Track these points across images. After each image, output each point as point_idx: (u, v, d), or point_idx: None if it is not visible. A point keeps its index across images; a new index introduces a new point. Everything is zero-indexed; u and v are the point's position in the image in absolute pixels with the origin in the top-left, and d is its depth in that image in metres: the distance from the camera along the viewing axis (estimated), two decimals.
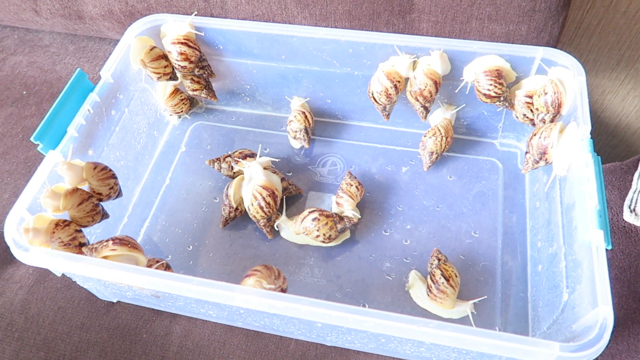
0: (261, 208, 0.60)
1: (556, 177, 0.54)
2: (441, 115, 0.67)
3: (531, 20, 0.59)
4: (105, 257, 0.48)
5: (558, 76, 0.56)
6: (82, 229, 0.54)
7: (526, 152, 0.57)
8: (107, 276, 0.45)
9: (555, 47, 0.61)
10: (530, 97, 0.59)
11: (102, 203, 0.57)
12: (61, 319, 0.59)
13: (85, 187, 0.55)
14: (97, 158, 0.60)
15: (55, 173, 0.53)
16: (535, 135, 0.55)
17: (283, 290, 0.48)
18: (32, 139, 0.53)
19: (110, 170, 0.56)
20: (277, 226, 0.62)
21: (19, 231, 0.48)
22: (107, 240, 0.49)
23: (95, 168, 0.55)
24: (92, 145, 0.59)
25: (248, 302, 0.42)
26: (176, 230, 0.64)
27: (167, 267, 0.54)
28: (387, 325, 0.40)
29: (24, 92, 0.82)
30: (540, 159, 0.55)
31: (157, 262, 0.53)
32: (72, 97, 0.57)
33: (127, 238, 0.50)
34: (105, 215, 0.57)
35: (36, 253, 0.47)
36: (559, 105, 0.56)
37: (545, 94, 0.56)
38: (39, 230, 0.50)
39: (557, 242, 0.51)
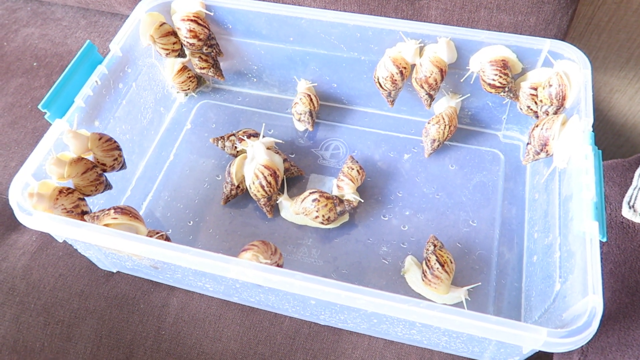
0: (262, 187, 0.61)
1: (556, 169, 0.55)
2: (446, 104, 0.67)
3: (540, 12, 0.58)
4: (106, 225, 0.49)
5: (564, 69, 0.56)
6: (85, 198, 0.55)
7: (527, 143, 0.57)
8: (106, 243, 0.46)
9: (563, 39, 0.61)
10: (535, 89, 0.59)
11: (106, 174, 0.57)
12: (61, 285, 0.60)
13: (90, 157, 0.56)
14: (103, 129, 0.60)
15: (61, 142, 0.54)
16: (537, 126, 0.55)
17: (279, 266, 0.49)
18: (39, 106, 0.54)
19: (115, 142, 0.57)
20: (278, 203, 0.63)
21: (24, 195, 0.49)
22: (108, 209, 0.50)
23: (100, 139, 0.56)
24: (98, 117, 0.60)
25: (243, 275, 0.43)
26: (178, 206, 0.65)
27: (167, 239, 0.55)
28: (378, 303, 0.41)
29: (35, 64, 0.83)
30: (541, 150, 0.55)
31: (157, 233, 0.54)
32: (80, 68, 0.58)
33: (128, 207, 0.51)
34: (108, 186, 0.58)
35: (39, 217, 0.48)
36: (563, 98, 0.56)
37: (550, 86, 0.56)
38: (42, 195, 0.50)
39: (553, 233, 0.52)
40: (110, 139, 0.56)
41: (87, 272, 0.61)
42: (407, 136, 0.71)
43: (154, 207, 0.65)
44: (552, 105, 0.57)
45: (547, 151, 0.55)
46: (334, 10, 0.64)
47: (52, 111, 0.55)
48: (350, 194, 0.62)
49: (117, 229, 0.48)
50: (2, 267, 0.62)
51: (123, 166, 0.59)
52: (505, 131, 0.70)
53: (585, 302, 0.41)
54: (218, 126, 0.73)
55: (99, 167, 0.56)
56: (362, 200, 0.63)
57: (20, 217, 0.48)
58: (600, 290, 0.41)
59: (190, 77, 0.72)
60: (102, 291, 0.60)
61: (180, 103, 0.76)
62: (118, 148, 0.57)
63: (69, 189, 0.53)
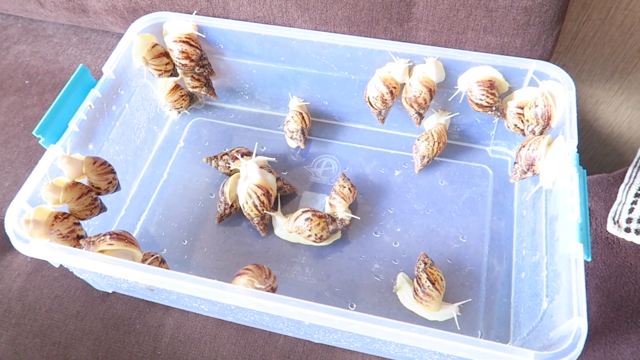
0: (255, 206, 0.62)
1: (542, 187, 0.56)
2: (435, 121, 0.69)
3: (525, 34, 0.60)
4: (102, 251, 0.49)
5: (549, 89, 0.58)
6: (81, 222, 0.55)
7: (515, 162, 0.59)
8: (103, 270, 0.47)
9: (548, 60, 0.62)
10: (522, 108, 0.60)
11: (100, 197, 0.58)
12: (57, 307, 0.61)
13: (84, 181, 0.57)
14: (97, 152, 0.61)
15: (56, 167, 0.54)
16: (524, 146, 0.56)
17: (273, 289, 0.50)
18: (34, 132, 0.54)
19: (109, 165, 0.58)
20: (272, 221, 0.64)
21: (20, 223, 0.50)
22: (104, 235, 0.51)
23: (94, 163, 0.56)
24: (92, 140, 0.60)
25: (239, 301, 0.44)
26: (172, 225, 0.66)
27: (162, 262, 0.56)
28: (371, 328, 0.42)
29: (27, 82, 0.83)
30: (528, 169, 0.56)
31: (152, 256, 0.55)
32: (74, 92, 0.58)
33: (124, 233, 0.51)
34: (103, 209, 0.59)
35: (36, 245, 0.48)
36: (549, 118, 0.57)
37: (536, 106, 0.58)
38: (38, 222, 0.51)
39: (540, 252, 0.53)
40: (104, 163, 0.57)
41: (83, 293, 0.62)
42: (398, 152, 0.72)
43: (148, 226, 0.66)
44: (538, 124, 0.58)
45: (533, 171, 0.56)
46: (324, 31, 0.65)
47: (47, 136, 0.55)
48: (342, 212, 0.63)
49: (113, 255, 0.49)
50: None
51: (117, 188, 0.60)
52: (494, 146, 0.71)
53: (571, 323, 0.42)
54: (211, 144, 0.74)
55: (93, 190, 0.56)
56: (358, 218, 0.64)
57: (17, 245, 0.49)
58: (585, 312, 0.42)
59: (182, 96, 0.73)
60: (98, 312, 0.60)
61: (173, 121, 0.76)
62: (112, 171, 0.58)
63: (64, 213, 0.53)
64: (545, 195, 0.56)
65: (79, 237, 0.53)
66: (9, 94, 0.82)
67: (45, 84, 0.83)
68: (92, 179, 0.56)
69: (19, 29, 0.91)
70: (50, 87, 0.82)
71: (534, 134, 0.59)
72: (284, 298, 0.44)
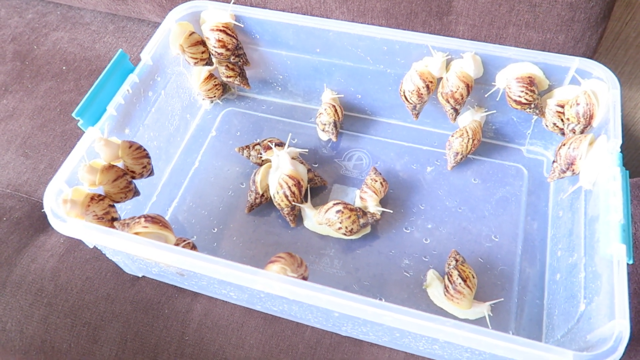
0: (286, 197, 0.62)
1: (581, 187, 0.55)
2: (470, 117, 0.68)
3: (569, 30, 0.58)
4: (136, 233, 0.50)
5: (592, 88, 0.56)
6: (115, 205, 0.56)
7: (553, 161, 0.57)
8: (138, 251, 0.47)
9: (591, 58, 0.61)
10: (562, 106, 0.59)
11: (134, 181, 0.59)
12: (89, 288, 0.62)
13: (120, 164, 0.57)
14: (132, 137, 0.62)
15: (93, 149, 0.55)
16: (564, 145, 0.55)
17: (305, 278, 0.50)
18: (73, 114, 0.55)
19: (145, 150, 0.58)
20: (301, 212, 0.64)
21: (58, 202, 0.50)
22: (139, 217, 0.51)
23: (130, 147, 0.57)
24: (128, 124, 0.61)
25: (272, 288, 0.44)
26: (202, 212, 0.66)
27: (193, 247, 0.56)
28: (405, 320, 0.42)
29: (64, 68, 0.85)
30: (567, 169, 0.55)
31: (184, 241, 0.55)
32: (112, 77, 0.59)
33: (158, 217, 0.52)
34: (136, 193, 0.59)
35: (73, 224, 0.49)
36: (591, 117, 0.56)
37: (578, 104, 0.56)
38: (75, 202, 0.52)
39: (578, 253, 0.52)
40: (140, 147, 0.58)
41: (114, 276, 0.62)
42: (430, 149, 0.71)
43: (179, 213, 0.67)
44: (579, 123, 0.57)
45: (573, 170, 0.55)
46: (361, 23, 0.65)
47: (85, 119, 0.56)
48: (373, 206, 0.62)
49: (148, 237, 0.49)
50: (31, 268, 0.64)
51: (151, 173, 0.60)
52: (529, 146, 0.70)
53: (612, 325, 0.41)
54: (242, 134, 0.74)
55: (128, 174, 0.57)
56: (391, 211, 0.63)
57: (55, 223, 0.49)
58: (628, 315, 0.41)
59: (216, 85, 0.73)
60: (128, 295, 0.61)
61: (206, 110, 0.77)
62: (147, 156, 0.58)
63: (100, 195, 0.54)
64: (584, 196, 0.54)
65: (114, 219, 0.54)
66: (47, 79, 0.83)
67: (82, 70, 0.84)
68: (128, 163, 0.57)
69: (57, 16, 0.92)
70: (87, 73, 0.84)
71: (574, 132, 0.57)
72: (317, 286, 0.43)
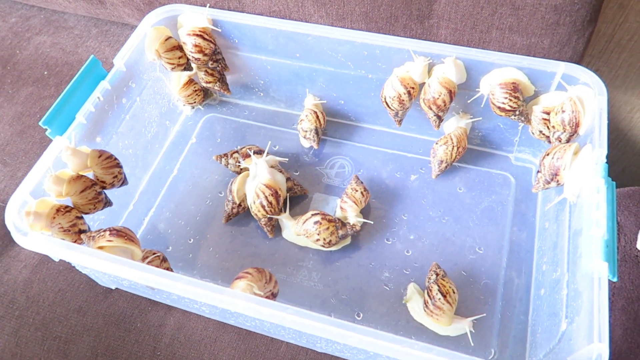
0: (263, 207, 0.60)
1: (566, 199, 0.52)
2: (455, 124, 0.65)
3: (554, 34, 0.56)
4: (101, 247, 0.48)
5: (578, 94, 0.54)
6: (84, 216, 0.54)
7: (538, 171, 0.55)
8: (99, 267, 0.45)
9: (579, 63, 0.58)
10: (548, 113, 0.57)
11: (107, 191, 0.57)
12: (60, 300, 0.60)
13: (90, 174, 0.56)
14: (105, 145, 0.60)
15: (61, 159, 0.53)
16: (548, 155, 0.53)
17: (274, 295, 0.48)
18: (41, 123, 0.53)
19: (116, 159, 0.57)
20: (279, 222, 0.62)
21: (20, 214, 0.49)
22: (105, 230, 0.50)
23: (100, 156, 0.55)
24: (100, 133, 0.59)
25: (235, 306, 0.42)
26: (179, 222, 0.65)
27: (163, 260, 0.54)
28: (371, 342, 0.40)
29: (45, 73, 0.83)
30: (552, 179, 0.53)
31: (153, 254, 0.53)
32: (84, 84, 0.57)
33: (124, 230, 0.50)
34: (108, 203, 0.57)
35: (34, 238, 0.47)
36: (577, 125, 0.53)
37: (563, 111, 0.54)
38: (40, 214, 0.50)
39: (561, 268, 0.50)
40: (110, 157, 0.56)
41: (86, 288, 0.61)
42: (414, 156, 0.69)
43: (156, 222, 0.65)
44: (564, 131, 0.54)
45: (557, 181, 0.52)
46: (341, 27, 0.63)
47: (53, 128, 0.54)
48: (353, 216, 0.60)
49: (112, 251, 0.48)
50: (4, 279, 0.62)
51: (124, 182, 0.59)
52: (517, 153, 0.67)
53: (590, 349, 0.39)
54: (223, 140, 0.72)
55: (98, 184, 0.55)
56: (371, 222, 0.61)
57: (16, 237, 0.48)
58: (607, 338, 0.39)
59: (196, 91, 0.71)
60: (100, 308, 0.59)
61: (187, 116, 0.75)
62: (118, 165, 0.57)
63: (67, 207, 0.52)
64: (569, 208, 0.52)
65: (81, 232, 0.52)
66: (28, 84, 0.82)
67: (63, 75, 0.83)
68: (97, 173, 0.55)
69: (41, 20, 0.91)
70: (68, 78, 0.82)
71: (560, 141, 0.55)
72: (281, 306, 0.41)
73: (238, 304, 0.42)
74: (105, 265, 0.45)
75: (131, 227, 0.63)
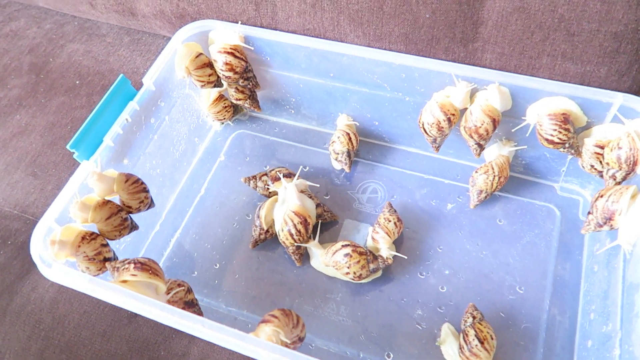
0: (291, 235, 0.57)
1: (620, 246, 0.48)
2: (497, 151, 0.61)
3: (612, 62, 0.51)
4: (124, 282, 0.47)
5: (636, 129, 0.49)
6: (110, 242, 0.53)
7: (589, 212, 0.51)
8: (121, 303, 0.44)
9: (638, 94, 0.54)
10: (601, 147, 0.52)
11: (133, 214, 0.56)
12: (85, 323, 0.59)
13: (116, 198, 0.55)
14: (132, 167, 0.59)
15: (88, 184, 0.52)
16: (602, 196, 0.49)
17: (301, 339, 0.46)
18: (68, 146, 0.52)
19: (142, 183, 0.55)
20: (308, 250, 0.60)
21: (45, 244, 0.48)
22: (129, 262, 0.48)
23: (126, 181, 0.54)
24: (127, 154, 0.58)
25: (260, 356, 0.40)
26: (205, 245, 0.63)
27: (188, 292, 0.53)
28: None
29: (77, 82, 0.83)
30: (605, 223, 0.48)
31: (178, 285, 0.52)
32: (112, 104, 0.56)
33: (148, 263, 0.48)
34: (134, 228, 0.56)
35: (58, 270, 0.46)
36: (634, 164, 0.49)
37: (619, 148, 0.49)
38: (65, 242, 0.49)
39: (613, 323, 0.45)
40: (137, 181, 0.55)
41: (111, 312, 0.60)
42: (452, 182, 0.65)
43: (182, 244, 0.63)
44: (620, 169, 0.50)
45: (611, 225, 0.48)
46: (378, 48, 0.60)
47: (81, 151, 0.53)
48: (385, 249, 0.57)
49: (136, 286, 0.46)
50: (32, 297, 0.62)
51: (150, 206, 0.57)
52: (564, 183, 0.63)
53: None
54: (252, 158, 0.70)
55: (124, 210, 0.54)
56: (405, 257, 0.58)
57: (41, 267, 0.47)
58: None
59: (226, 107, 0.69)
60: (124, 333, 0.58)
61: (216, 132, 0.73)
62: (145, 190, 0.55)
63: (92, 234, 0.51)
64: (623, 256, 0.48)
65: (106, 260, 0.51)
66: (60, 93, 0.82)
67: (95, 85, 0.82)
68: (124, 198, 0.54)
69: (75, 26, 0.91)
70: (99, 88, 0.82)
71: (614, 179, 0.51)
72: (308, 359, 0.39)
73: (263, 354, 0.40)
74: (127, 303, 0.43)
75: (157, 249, 0.63)
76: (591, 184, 0.61)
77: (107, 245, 0.52)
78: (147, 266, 0.48)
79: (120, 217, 0.53)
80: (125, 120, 0.56)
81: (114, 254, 0.53)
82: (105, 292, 0.44)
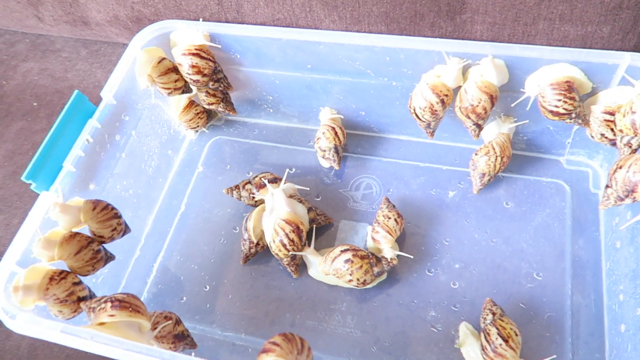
0: (284, 245, 0.52)
1: None
2: (496, 130, 0.57)
3: (616, 20, 0.47)
4: (102, 324, 0.41)
5: None
6: (84, 277, 0.47)
7: (607, 186, 0.46)
8: (100, 351, 0.38)
9: None
10: (611, 114, 0.48)
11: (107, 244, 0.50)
12: None
13: (85, 229, 0.49)
14: (100, 192, 0.53)
15: (51, 217, 0.46)
16: (621, 167, 0.44)
17: None
18: (23, 178, 0.47)
19: (113, 208, 0.49)
20: (304, 259, 0.55)
21: (7, 292, 0.42)
22: (105, 301, 0.43)
23: (94, 209, 0.48)
24: (93, 179, 0.52)
25: None
26: (192, 267, 0.58)
27: (177, 323, 0.47)
28: None
29: (35, 104, 0.77)
30: (627, 196, 0.44)
31: (165, 317, 0.46)
32: (70, 125, 0.50)
33: (127, 299, 0.43)
34: (109, 259, 0.51)
35: (23, 321, 0.41)
36: None
37: (633, 112, 0.45)
38: (30, 287, 0.43)
39: None
40: (106, 207, 0.49)
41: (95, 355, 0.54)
42: (451, 168, 0.60)
43: (166, 268, 0.58)
44: (635, 136, 0.45)
45: (634, 198, 0.44)
46: (357, 31, 0.55)
47: (39, 181, 0.47)
48: (388, 248, 0.52)
49: (116, 327, 0.41)
50: (6, 346, 0.56)
51: (125, 232, 0.52)
52: (570, 156, 0.59)
53: None
54: (233, 166, 0.65)
55: (95, 241, 0.48)
56: (411, 257, 0.53)
57: (4, 319, 0.41)
58: None
59: (198, 114, 0.64)
60: None
61: (191, 141, 0.68)
62: (116, 216, 0.50)
63: (62, 272, 0.46)
64: None
65: (80, 299, 0.46)
66: (17, 118, 0.75)
67: (54, 105, 0.76)
68: (93, 228, 0.48)
69: (26, 44, 0.84)
70: (59, 108, 0.75)
71: (630, 147, 0.46)
72: None
73: None
74: (107, 351, 0.38)
75: (140, 276, 0.57)
76: (600, 154, 0.57)
77: (80, 282, 0.46)
78: (126, 303, 0.42)
79: (91, 250, 0.47)
80: (85, 141, 0.50)
81: (90, 290, 0.47)
82: (81, 341, 0.39)
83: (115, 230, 0.50)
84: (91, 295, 0.48)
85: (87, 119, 0.52)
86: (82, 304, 0.45)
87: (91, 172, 0.52)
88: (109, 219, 0.49)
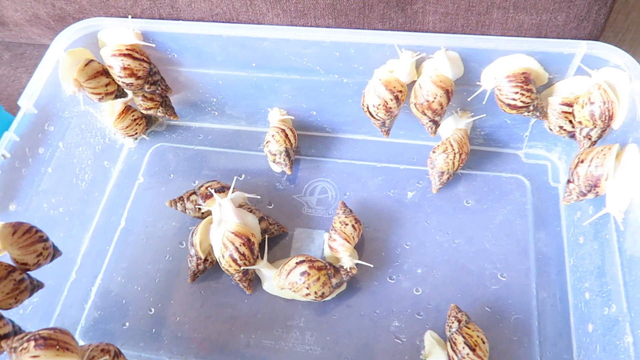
0: (234, 260, 0.48)
1: (609, 214, 0.42)
2: (453, 126, 0.55)
3: (571, 7, 0.45)
4: None
5: (607, 79, 0.43)
6: (6, 312, 0.42)
7: (568, 181, 0.45)
8: None
9: (599, 39, 0.48)
10: (569, 105, 0.46)
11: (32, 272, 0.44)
12: None
13: (5, 256, 0.43)
14: (23, 213, 0.47)
15: None
16: (582, 162, 0.42)
17: None
18: None
19: (37, 231, 0.44)
20: (257, 273, 0.51)
21: None
22: (28, 340, 0.37)
23: (14, 233, 0.42)
24: (14, 199, 0.46)
25: None
26: (135, 288, 0.52)
27: (115, 356, 0.42)
28: None
29: None
30: (589, 191, 0.42)
31: (102, 351, 0.41)
32: None
33: (54, 335, 0.38)
34: (37, 287, 0.45)
35: None
36: (610, 118, 0.43)
37: (592, 103, 0.43)
38: None
39: (618, 305, 0.40)
40: (29, 230, 0.43)
41: None
42: (408, 167, 0.58)
43: (106, 292, 0.53)
44: (595, 127, 0.44)
45: (597, 193, 0.42)
46: (303, 26, 0.51)
47: None
48: (346, 257, 0.49)
49: None
50: None
51: (54, 256, 0.46)
52: (528, 149, 0.57)
53: None
54: (177, 175, 0.60)
55: (17, 270, 0.43)
56: (371, 265, 0.50)
57: None
58: None
59: (136, 120, 0.59)
60: None
61: (130, 150, 0.62)
62: (42, 239, 0.44)
63: None
64: (615, 225, 0.42)
65: (2, 338, 0.40)
66: None
67: None
68: (14, 254, 0.43)
69: None
70: None
71: (589, 139, 0.45)
72: None
73: None
74: None
75: (76, 302, 0.52)
76: (558, 146, 0.55)
77: (1, 318, 0.41)
78: (52, 340, 0.37)
79: (12, 281, 0.42)
80: (2, 156, 0.45)
81: (14, 325, 0.42)
82: None
83: (41, 256, 0.44)
84: (16, 331, 0.42)
85: (3, 132, 0.46)
86: (2, 343, 0.39)
87: (10, 191, 0.46)
88: (32, 244, 0.43)
